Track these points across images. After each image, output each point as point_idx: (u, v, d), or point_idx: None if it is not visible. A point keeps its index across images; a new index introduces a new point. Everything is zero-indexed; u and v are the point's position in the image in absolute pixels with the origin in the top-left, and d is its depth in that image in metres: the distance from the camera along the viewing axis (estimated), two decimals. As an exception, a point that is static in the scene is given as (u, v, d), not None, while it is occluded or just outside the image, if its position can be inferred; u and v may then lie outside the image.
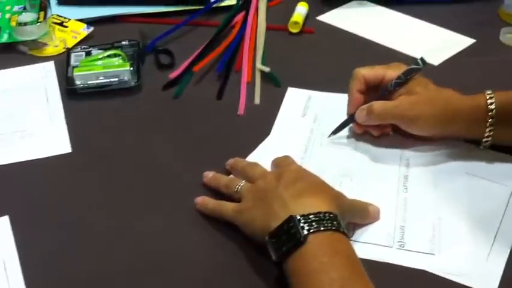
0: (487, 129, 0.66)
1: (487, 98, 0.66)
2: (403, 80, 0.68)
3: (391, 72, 0.69)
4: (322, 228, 0.52)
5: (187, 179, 0.68)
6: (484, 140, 0.67)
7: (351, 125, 0.72)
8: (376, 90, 0.70)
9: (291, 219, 0.53)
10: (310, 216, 0.53)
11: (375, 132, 0.71)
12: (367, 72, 0.70)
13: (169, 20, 0.96)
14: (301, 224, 0.52)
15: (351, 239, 0.60)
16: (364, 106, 0.69)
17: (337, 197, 0.58)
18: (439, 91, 0.68)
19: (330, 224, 0.52)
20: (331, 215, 0.53)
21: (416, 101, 0.67)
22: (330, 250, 0.52)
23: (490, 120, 0.65)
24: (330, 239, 0.52)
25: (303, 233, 0.52)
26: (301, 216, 0.53)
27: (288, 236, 0.52)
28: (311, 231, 0.52)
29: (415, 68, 0.68)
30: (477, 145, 0.69)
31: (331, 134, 0.72)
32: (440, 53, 0.89)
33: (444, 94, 0.68)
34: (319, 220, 0.52)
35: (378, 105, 0.68)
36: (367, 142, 0.72)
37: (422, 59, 0.68)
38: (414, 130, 0.69)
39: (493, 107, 0.65)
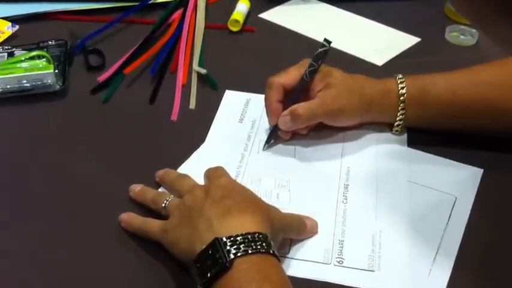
0: (399, 114, 0.67)
1: (398, 82, 0.67)
2: (316, 67, 0.66)
3: (305, 68, 0.67)
4: (250, 251, 0.48)
5: (113, 193, 0.62)
6: (396, 123, 0.68)
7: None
8: (292, 92, 0.67)
9: (216, 242, 0.49)
10: (238, 238, 0.48)
11: (304, 131, 0.69)
12: (285, 80, 0.67)
13: (101, 17, 0.91)
14: (227, 247, 0.48)
15: (287, 256, 0.56)
16: (286, 112, 0.66)
17: (269, 213, 0.54)
18: (353, 79, 0.68)
19: (259, 246, 0.48)
20: (261, 236, 0.49)
21: (337, 94, 0.66)
22: (258, 276, 0.47)
23: (401, 104, 0.67)
24: (258, 263, 0.48)
25: (229, 257, 0.47)
26: (227, 238, 0.49)
27: (213, 261, 0.48)
28: (238, 254, 0.47)
29: (322, 50, 0.66)
30: (418, 149, 0.68)
31: (265, 146, 0.69)
32: (384, 53, 0.86)
33: (358, 82, 0.68)
34: (247, 242, 0.48)
35: (302, 108, 0.65)
36: (307, 149, 0.69)
37: (326, 40, 0.67)
38: (339, 123, 0.68)
39: (404, 91, 0.66)
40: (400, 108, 0.67)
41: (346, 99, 0.66)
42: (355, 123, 0.70)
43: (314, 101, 0.66)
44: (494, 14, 0.38)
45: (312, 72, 0.66)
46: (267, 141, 0.69)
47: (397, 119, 0.68)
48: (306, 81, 0.66)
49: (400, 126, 0.69)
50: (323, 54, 0.66)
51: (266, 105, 0.68)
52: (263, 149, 0.68)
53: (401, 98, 0.66)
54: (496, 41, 0.42)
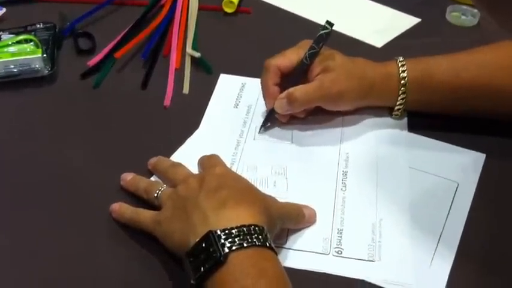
0: (399, 98, 0.66)
1: (399, 65, 0.65)
2: (317, 50, 0.64)
3: (303, 51, 0.64)
4: (245, 245, 0.46)
5: (104, 181, 0.60)
6: (396, 107, 0.67)
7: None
8: (290, 74, 0.65)
9: (210, 235, 0.47)
10: (233, 231, 0.46)
11: (301, 114, 0.67)
12: (282, 62, 0.65)
13: (91, -1, 0.88)
14: (222, 241, 0.46)
15: (284, 246, 0.55)
16: (283, 95, 0.64)
17: (265, 203, 0.52)
18: (353, 62, 0.66)
19: (255, 239, 0.46)
20: (257, 228, 0.47)
21: (336, 78, 0.64)
22: (253, 270, 0.46)
23: (402, 88, 0.65)
24: (254, 256, 0.46)
25: (224, 251, 0.45)
26: (222, 231, 0.47)
27: (207, 255, 0.46)
28: (233, 248, 0.46)
29: (324, 33, 0.64)
30: (419, 133, 0.67)
31: (261, 129, 0.67)
32: (383, 34, 0.83)
33: (358, 65, 0.66)
34: (242, 235, 0.46)
35: (299, 91, 0.63)
36: (305, 134, 0.67)
37: (328, 22, 0.64)
38: (338, 107, 0.66)
39: (405, 75, 0.64)
40: (401, 92, 0.65)
41: (346, 84, 0.64)
42: (354, 108, 0.68)
43: (311, 85, 0.64)
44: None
45: (313, 55, 0.64)
46: (263, 124, 0.67)
47: (398, 103, 0.66)
48: (306, 64, 0.64)
49: (400, 110, 0.67)
50: (324, 37, 0.64)
51: (262, 88, 0.66)
52: (259, 132, 0.66)
53: (402, 81, 0.65)
54: (503, 25, 0.40)
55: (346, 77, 0.64)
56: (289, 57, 0.65)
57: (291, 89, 0.63)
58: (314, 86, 0.63)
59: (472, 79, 0.64)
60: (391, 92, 0.66)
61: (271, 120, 0.67)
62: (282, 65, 0.65)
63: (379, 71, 0.66)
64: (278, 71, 0.65)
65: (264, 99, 0.67)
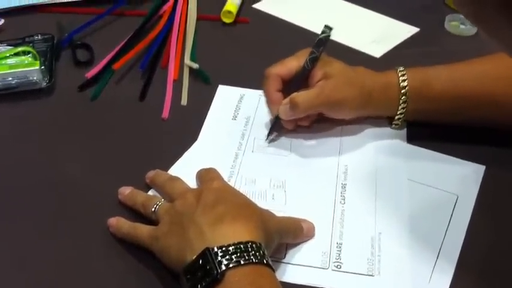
0: (400, 107, 0.65)
1: (399, 75, 0.65)
2: (317, 54, 0.64)
3: (303, 58, 0.64)
4: (242, 262, 0.46)
5: (102, 194, 0.60)
6: (397, 117, 0.66)
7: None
8: (291, 81, 0.65)
9: (207, 252, 0.46)
10: (230, 248, 0.46)
11: (306, 122, 0.67)
12: (281, 70, 0.65)
13: (90, 9, 0.88)
14: (219, 258, 0.46)
15: (283, 261, 0.54)
16: (286, 101, 0.64)
17: (262, 218, 0.52)
18: (354, 70, 0.66)
19: (252, 257, 0.46)
20: (254, 245, 0.47)
21: (336, 84, 0.64)
22: (251, 289, 0.45)
23: (402, 98, 0.65)
24: (251, 274, 0.46)
25: (221, 268, 0.45)
26: (218, 248, 0.46)
27: (204, 272, 0.45)
28: (230, 266, 0.45)
29: (323, 36, 0.64)
30: (418, 144, 0.66)
31: (267, 137, 0.67)
32: (382, 44, 0.83)
33: (359, 74, 0.66)
34: (240, 252, 0.46)
35: (301, 97, 0.63)
36: (303, 146, 0.66)
37: (327, 26, 0.65)
38: (339, 115, 0.66)
39: (405, 84, 0.64)
40: (401, 101, 0.65)
41: (346, 91, 0.64)
42: (355, 116, 0.67)
43: (313, 91, 0.64)
44: (500, 17, 0.36)
45: (313, 59, 0.64)
46: (270, 133, 0.67)
47: (398, 112, 0.66)
48: (307, 70, 0.64)
49: (400, 120, 0.67)
50: (324, 41, 0.64)
51: (265, 96, 0.67)
52: (265, 141, 0.66)
53: (403, 91, 0.64)
54: (498, 43, 0.40)
55: (346, 84, 0.64)
56: (289, 65, 0.65)
57: (293, 95, 0.64)
58: (315, 92, 0.64)
59: (471, 89, 0.64)
60: (391, 101, 0.66)
61: (276, 129, 0.67)
62: (281, 73, 0.65)
63: (379, 80, 0.66)
64: (279, 78, 0.65)
65: (268, 107, 0.67)
